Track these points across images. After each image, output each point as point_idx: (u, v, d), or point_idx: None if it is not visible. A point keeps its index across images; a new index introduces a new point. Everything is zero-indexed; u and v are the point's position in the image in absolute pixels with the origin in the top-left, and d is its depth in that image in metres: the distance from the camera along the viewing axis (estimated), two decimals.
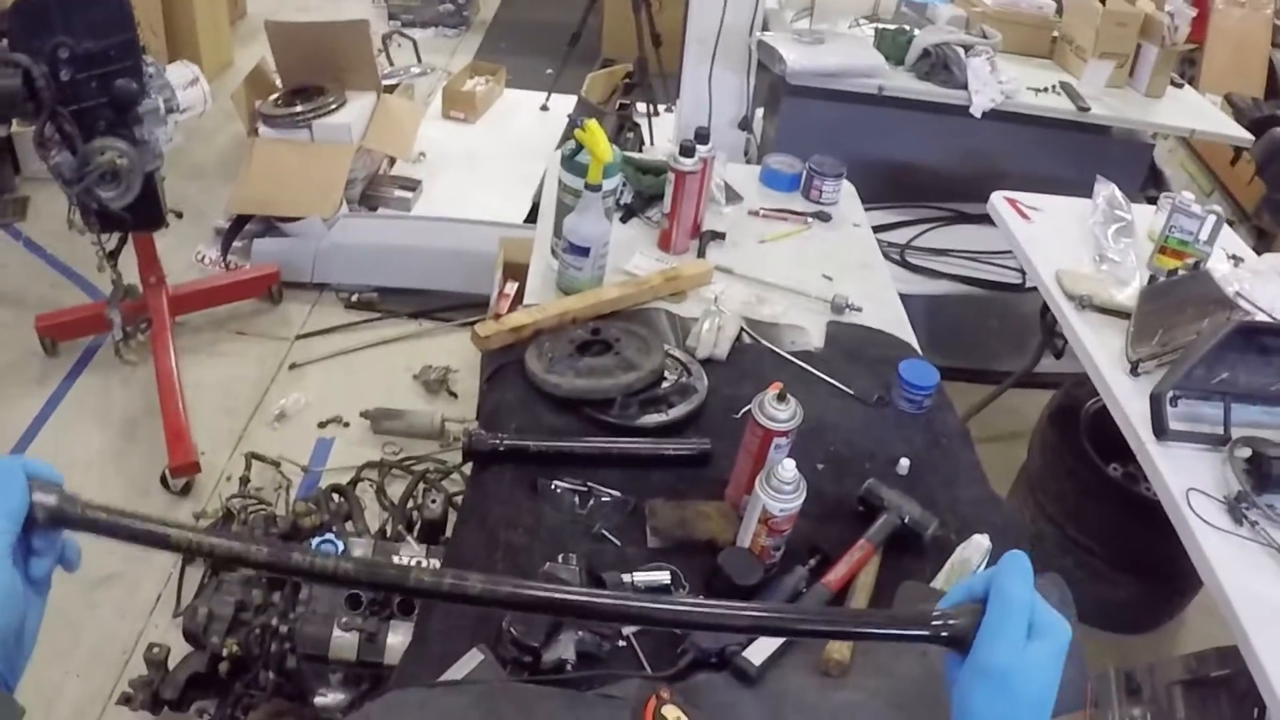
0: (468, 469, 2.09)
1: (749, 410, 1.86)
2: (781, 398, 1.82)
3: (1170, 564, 2.32)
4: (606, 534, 1.85)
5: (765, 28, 4.24)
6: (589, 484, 1.93)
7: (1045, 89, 4.23)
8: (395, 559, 2.34)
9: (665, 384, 2.18)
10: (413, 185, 5.11)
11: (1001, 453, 3.77)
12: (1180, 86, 4.65)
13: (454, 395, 3.98)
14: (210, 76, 5.58)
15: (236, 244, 4.64)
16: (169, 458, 3.46)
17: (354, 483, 3.35)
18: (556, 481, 1.93)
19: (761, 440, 1.83)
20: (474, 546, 1.84)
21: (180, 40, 6.13)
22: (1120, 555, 3.23)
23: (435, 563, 2.33)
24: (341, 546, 2.34)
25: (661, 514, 1.88)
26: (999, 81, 4.03)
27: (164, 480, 3.47)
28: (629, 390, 2.10)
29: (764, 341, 2.44)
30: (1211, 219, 3.03)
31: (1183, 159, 6.48)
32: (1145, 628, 3.48)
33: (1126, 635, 3.43)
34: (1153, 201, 3.42)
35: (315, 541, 2.34)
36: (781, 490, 1.71)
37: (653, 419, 2.10)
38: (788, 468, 1.71)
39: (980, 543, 1.85)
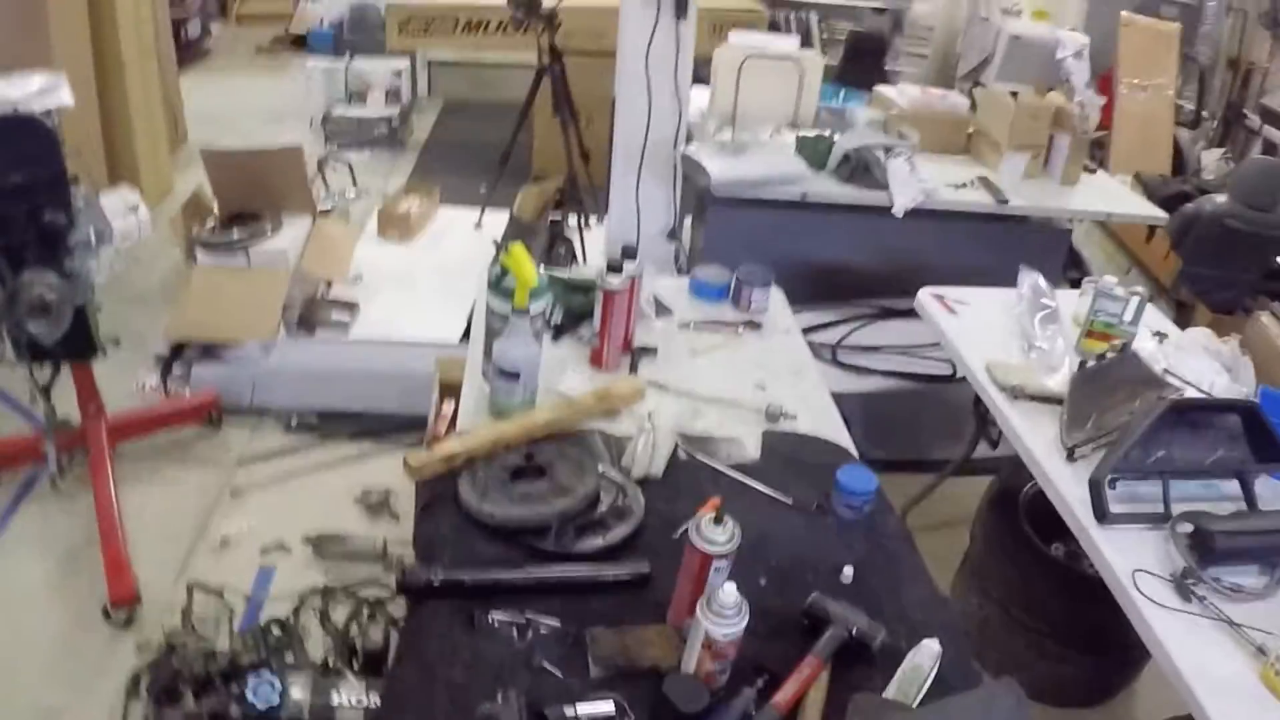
0: (407, 602, 1.99)
1: (687, 532, 1.79)
2: (718, 520, 1.74)
3: (1118, 637, 2.29)
4: (547, 666, 1.76)
5: (690, 140, 4.25)
6: (527, 615, 1.84)
7: (964, 184, 4.26)
8: (335, 694, 2.24)
9: (601, 507, 2.10)
10: (350, 307, 5.05)
11: (943, 540, 3.73)
12: (1093, 172, 4.70)
13: (396, 517, 3.88)
14: (151, 202, 5.56)
15: (177, 370, 4.53)
16: (108, 591, 3.35)
17: (297, 609, 3.26)
18: (494, 614, 1.83)
19: (700, 564, 1.75)
20: (412, 685, 1.75)
21: (121, 166, 6.11)
22: (1067, 633, 3.18)
23: (375, 698, 2.23)
24: (279, 685, 2.24)
25: (603, 642, 1.79)
26: (919, 180, 4.04)
27: (105, 613, 3.34)
28: (564, 516, 2.02)
29: (700, 456, 2.36)
30: (1135, 300, 3.04)
31: (1100, 239, 6.60)
32: (1098, 702, 3.42)
33: (1080, 710, 3.39)
34: (1074, 284, 3.43)
35: (252, 682, 2.23)
36: (724, 615, 1.64)
37: (590, 544, 2.01)
38: (729, 592, 1.63)
39: (930, 648, 1.79)
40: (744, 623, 1.65)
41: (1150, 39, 7.53)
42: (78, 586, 3.48)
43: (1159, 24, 7.63)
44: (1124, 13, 7.72)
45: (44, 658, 3.22)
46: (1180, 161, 7.45)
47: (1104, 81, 7.34)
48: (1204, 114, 7.83)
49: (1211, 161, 7.40)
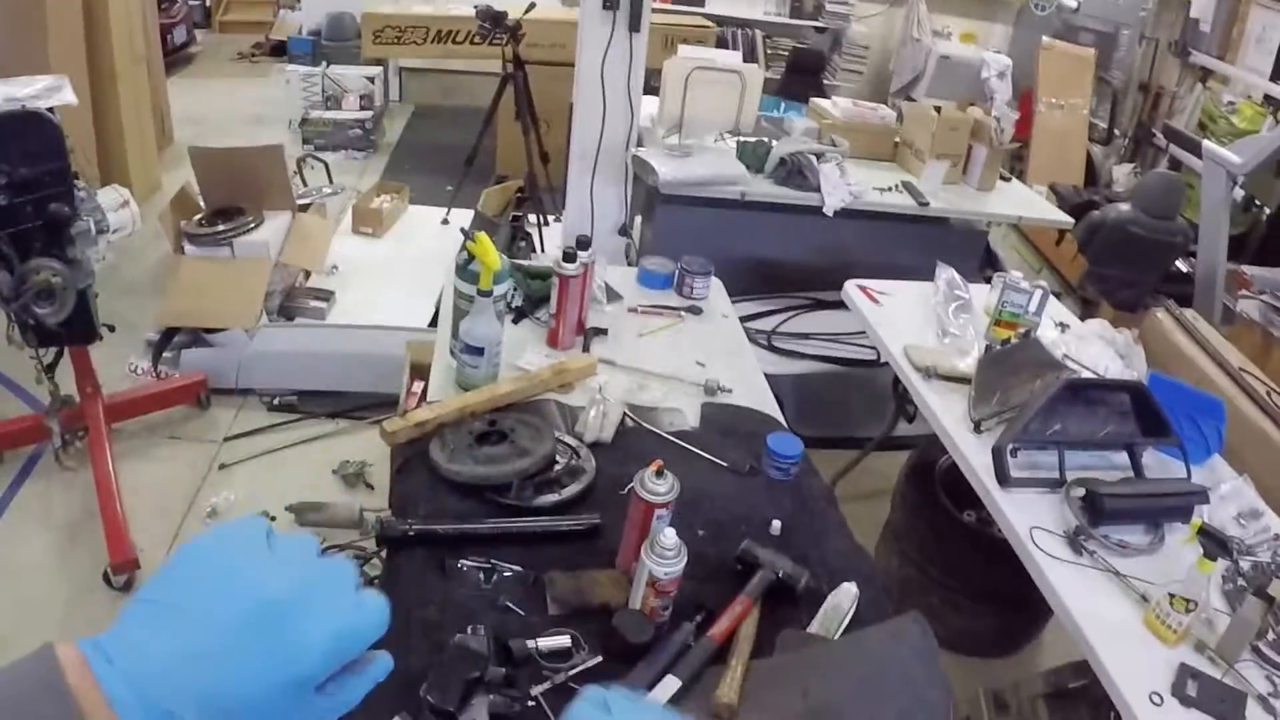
0: (384, 553, 2.08)
1: (633, 486, 1.89)
2: (660, 474, 1.84)
3: (1024, 593, 2.39)
4: (511, 605, 1.84)
5: (640, 143, 4.33)
6: (492, 561, 1.92)
7: (889, 188, 4.38)
8: None
9: (557, 467, 2.19)
10: (326, 296, 5.09)
11: (868, 509, 3.86)
12: (1008, 180, 4.82)
13: (370, 487, 3.95)
14: (140, 199, 5.56)
15: (166, 354, 4.58)
16: (109, 556, 3.39)
17: None
18: (463, 560, 1.92)
19: (644, 512, 1.85)
20: (391, 623, 1.83)
21: (112, 165, 6.13)
22: (979, 590, 3.30)
23: None
24: None
25: (559, 584, 1.88)
26: (848, 184, 4.16)
27: (106, 577, 3.39)
28: (524, 474, 2.11)
29: (645, 424, 2.46)
30: (1038, 293, 3.17)
31: (1014, 242, 6.73)
32: (1008, 651, 3.54)
33: (991, 659, 3.50)
34: (989, 281, 3.53)
35: None
36: (665, 556, 1.73)
37: (547, 499, 2.11)
38: (669, 536, 1.73)
39: (849, 589, 1.90)
40: (683, 563, 1.75)
41: (1068, 62, 7.68)
42: (79, 555, 3.52)
43: (1076, 49, 7.78)
44: (1044, 38, 7.88)
45: (48, 622, 3.26)
46: (1093, 174, 7.61)
47: (1025, 100, 7.52)
48: (1116, 132, 7.98)
49: (1122, 175, 7.55)
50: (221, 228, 4.81)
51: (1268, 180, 6.10)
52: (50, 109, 3.23)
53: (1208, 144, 5.29)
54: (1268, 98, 6.61)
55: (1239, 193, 5.47)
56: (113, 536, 3.45)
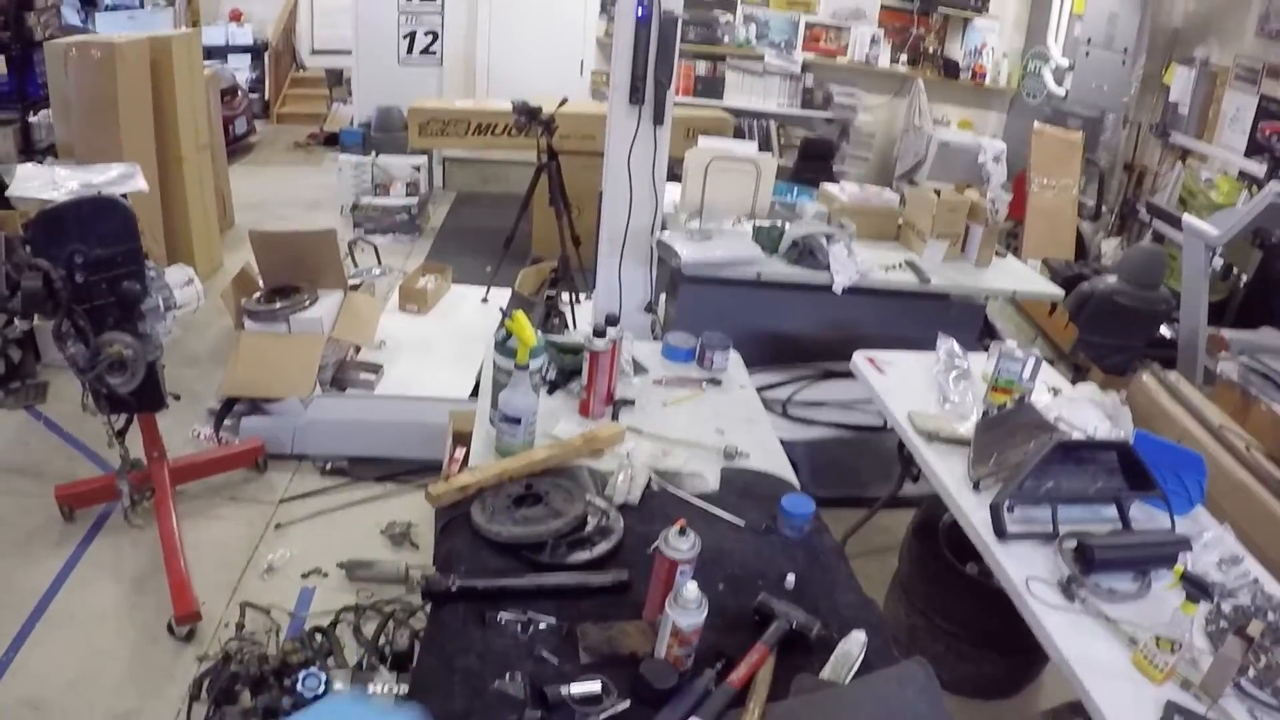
0: (429, 607, 2.11)
1: (658, 545, 1.92)
2: (682, 533, 1.88)
3: (1022, 639, 2.39)
4: (545, 654, 1.88)
5: (664, 227, 4.38)
6: (528, 614, 1.96)
7: (894, 266, 4.40)
8: (370, 687, 2.35)
9: (588, 527, 2.23)
10: (375, 368, 5.15)
11: (877, 563, 3.85)
12: (1004, 256, 4.83)
13: (416, 546, 3.96)
14: (203, 277, 5.65)
15: (227, 422, 4.64)
16: (174, 608, 3.42)
17: (334, 624, 3.32)
18: (501, 613, 1.95)
19: (668, 568, 1.88)
20: (434, 672, 1.86)
21: (178, 245, 6.24)
22: (981, 636, 3.28)
23: (404, 688, 2.33)
24: (324, 678, 2.34)
25: (590, 635, 1.91)
26: (855, 263, 4.19)
27: (170, 628, 3.41)
28: (558, 534, 2.16)
29: (669, 487, 2.50)
30: (1032, 360, 3.19)
31: (1010, 313, 6.72)
32: (1010, 693, 3.51)
33: (994, 701, 3.47)
34: (986, 350, 3.55)
35: (301, 675, 2.34)
36: (687, 608, 1.77)
37: (579, 557, 2.15)
38: (691, 590, 1.77)
39: (858, 638, 1.93)
40: (704, 614, 1.78)
41: (1058, 146, 7.70)
42: (145, 607, 3.54)
43: (1065, 133, 7.81)
44: (1036, 123, 7.92)
45: (117, 669, 3.27)
46: (1082, 249, 7.61)
47: (1019, 181, 7.57)
48: (1103, 209, 7.99)
49: (1110, 249, 7.53)
50: (279, 305, 4.89)
51: (1245, 249, 6.09)
52: (123, 195, 3.31)
53: (1187, 218, 5.32)
54: (1242, 173, 6.63)
55: (1218, 262, 5.46)
56: (177, 590, 3.48)
